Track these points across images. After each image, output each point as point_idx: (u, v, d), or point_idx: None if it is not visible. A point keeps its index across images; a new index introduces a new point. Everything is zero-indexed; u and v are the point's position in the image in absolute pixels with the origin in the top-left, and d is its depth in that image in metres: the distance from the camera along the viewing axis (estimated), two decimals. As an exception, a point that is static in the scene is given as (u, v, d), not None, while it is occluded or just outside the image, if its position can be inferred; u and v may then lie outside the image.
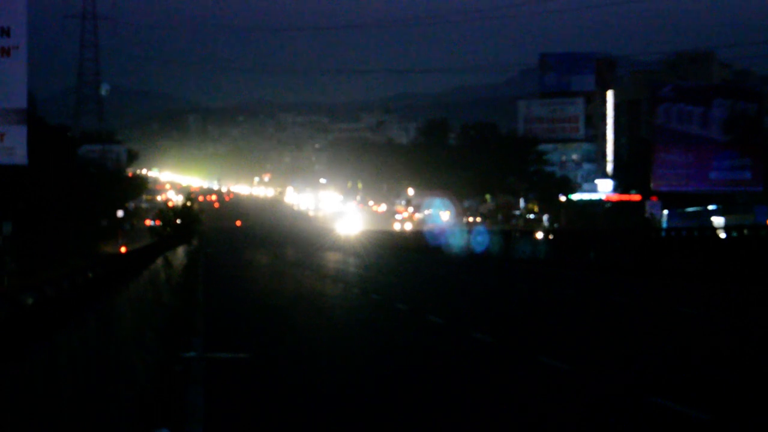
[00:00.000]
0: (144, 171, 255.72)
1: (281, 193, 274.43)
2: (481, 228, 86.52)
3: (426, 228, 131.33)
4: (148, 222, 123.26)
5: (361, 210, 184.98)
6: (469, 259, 66.89)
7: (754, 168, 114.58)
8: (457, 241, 76.18)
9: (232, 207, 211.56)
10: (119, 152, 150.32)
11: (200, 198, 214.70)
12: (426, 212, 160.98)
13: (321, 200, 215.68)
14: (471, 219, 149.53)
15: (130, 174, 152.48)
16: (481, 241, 68.90)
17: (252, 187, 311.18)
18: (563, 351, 18.55)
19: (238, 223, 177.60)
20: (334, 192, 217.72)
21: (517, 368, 16.93)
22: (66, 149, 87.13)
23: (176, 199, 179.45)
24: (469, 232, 77.26)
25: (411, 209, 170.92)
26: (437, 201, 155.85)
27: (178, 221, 75.01)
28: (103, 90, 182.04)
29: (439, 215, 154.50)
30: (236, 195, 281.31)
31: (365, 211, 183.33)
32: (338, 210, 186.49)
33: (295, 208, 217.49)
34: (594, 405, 13.44)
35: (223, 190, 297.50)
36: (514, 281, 42.76)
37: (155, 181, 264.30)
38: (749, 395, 14.02)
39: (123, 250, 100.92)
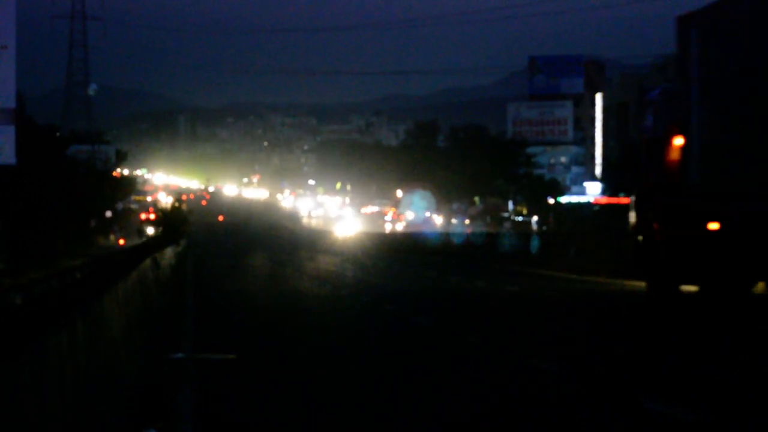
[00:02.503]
0: (138, 172, 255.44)
1: (274, 196, 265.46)
2: (459, 223, 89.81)
3: (410, 223, 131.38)
4: (143, 216, 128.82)
5: (354, 212, 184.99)
6: (454, 257, 67.64)
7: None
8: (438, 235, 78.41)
9: (217, 211, 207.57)
10: (108, 152, 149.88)
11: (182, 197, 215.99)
12: (408, 211, 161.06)
13: (319, 204, 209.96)
14: (455, 220, 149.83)
15: (117, 174, 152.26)
16: (460, 232, 72.31)
17: (241, 188, 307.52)
18: (552, 353, 18.58)
19: (221, 218, 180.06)
20: (333, 195, 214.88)
21: (504, 370, 16.95)
22: (55, 149, 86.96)
23: (166, 200, 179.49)
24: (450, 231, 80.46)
25: (397, 211, 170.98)
26: (417, 195, 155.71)
27: (160, 229, 74.88)
28: (91, 90, 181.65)
29: (421, 209, 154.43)
30: (218, 196, 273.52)
31: (356, 213, 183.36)
32: (337, 214, 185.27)
33: (297, 212, 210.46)
34: (587, 406, 13.45)
35: (212, 190, 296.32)
36: (501, 282, 42.80)
37: (144, 181, 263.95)
38: (741, 396, 14.05)
39: (122, 242, 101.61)
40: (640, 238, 29.23)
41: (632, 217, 31.43)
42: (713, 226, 26.55)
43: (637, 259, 30.39)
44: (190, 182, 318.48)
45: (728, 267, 26.63)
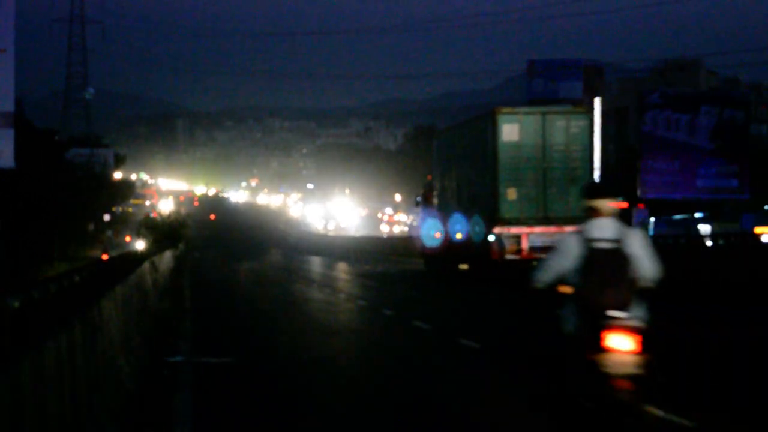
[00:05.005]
0: (142, 176, 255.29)
1: (285, 202, 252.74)
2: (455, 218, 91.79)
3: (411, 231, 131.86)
4: (147, 215, 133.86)
5: (354, 217, 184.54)
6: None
7: (740, 176, 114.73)
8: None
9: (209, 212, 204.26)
10: (107, 156, 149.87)
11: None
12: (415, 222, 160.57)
13: (328, 210, 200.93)
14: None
15: (116, 178, 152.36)
16: (459, 228, 74.73)
17: (251, 193, 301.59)
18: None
19: (212, 216, 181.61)
20: (331, 200, 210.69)
21: (503, 374, 16.98)
22: (53, 152, 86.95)
23: (164, 205, 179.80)
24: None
25: (395, 215, 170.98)
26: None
27: (156, 237, 74.68)
28: (87, 94, 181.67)
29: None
30: (218, 202, 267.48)
31: (356, 218, 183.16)
32: (341, 220, 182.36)
33: (305, 220, 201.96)
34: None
35: (214, 194, 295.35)
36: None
37: (143, 184, 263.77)
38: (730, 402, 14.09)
39: (127, 239, 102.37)
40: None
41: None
42: (450, 234, 47.31)
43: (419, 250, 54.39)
44: (188, 186, 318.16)
45: (446, 256, 47.03)
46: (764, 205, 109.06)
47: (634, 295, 9.96)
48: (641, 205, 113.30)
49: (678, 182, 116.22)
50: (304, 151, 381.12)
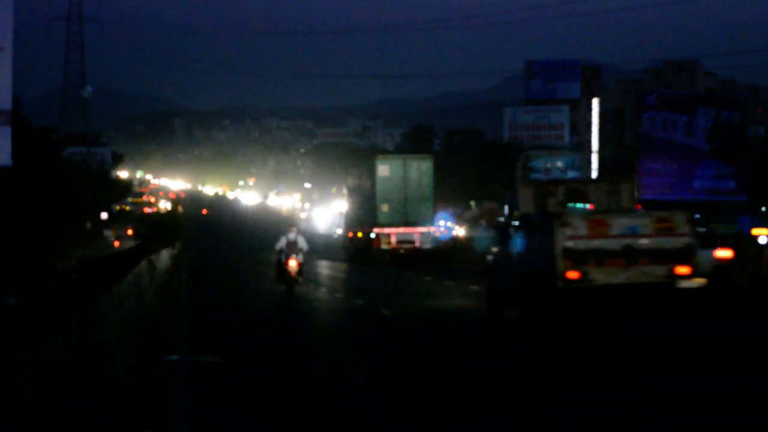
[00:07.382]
0: (140, 175, 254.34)
1: (294, 205, 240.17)
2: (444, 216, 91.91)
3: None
4: (146, 210, 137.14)
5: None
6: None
7: (737, 177, 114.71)
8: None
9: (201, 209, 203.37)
10: (104, 154, 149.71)
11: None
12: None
13: (338, 214, 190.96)
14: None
15: (120, 177, 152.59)
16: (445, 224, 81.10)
17: (266, 194, 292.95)
18: (545, 358, 18.59)
19: (204, 211, 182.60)
20: (330, 200, 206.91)
21: (494, 370, 16.97)
22: (51, 151, 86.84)
23: (161, 203, 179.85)
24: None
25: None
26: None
27: (153, 231, 74.65)
28: (85, 92, 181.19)
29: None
30: (222, 205, 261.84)
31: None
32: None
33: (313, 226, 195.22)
34: (578, 410, 13.50)
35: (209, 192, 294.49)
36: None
37: (141, 183, 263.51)
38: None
39: (130, 233, 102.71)
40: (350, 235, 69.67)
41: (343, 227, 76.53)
42: (354, 233, 67.68)
43: (344, 244, 72.45)
44: (188, 186, 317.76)
45: (361, 248, 64.38)
46: (761, 206, 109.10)
47: (300, 252, 35.75)
48: (638, 206, 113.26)
49: (675, 184, 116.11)
50: (302, 150, 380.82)
